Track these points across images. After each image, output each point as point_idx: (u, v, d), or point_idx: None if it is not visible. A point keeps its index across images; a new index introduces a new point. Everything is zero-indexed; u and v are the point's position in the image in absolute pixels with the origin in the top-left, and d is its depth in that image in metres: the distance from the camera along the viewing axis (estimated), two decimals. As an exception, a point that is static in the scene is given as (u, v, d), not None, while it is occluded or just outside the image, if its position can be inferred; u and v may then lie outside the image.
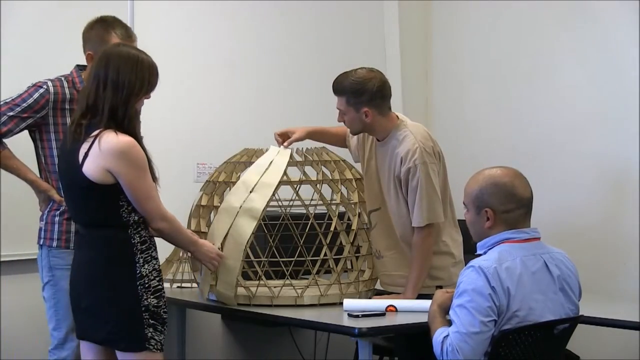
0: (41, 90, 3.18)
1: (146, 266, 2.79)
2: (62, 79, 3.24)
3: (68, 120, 3.18)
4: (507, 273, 2.56)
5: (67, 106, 3.21)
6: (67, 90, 3.21)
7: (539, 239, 2.71)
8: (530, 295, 2.59)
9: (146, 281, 2.78)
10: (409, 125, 3.37)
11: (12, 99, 3.16)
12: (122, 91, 2.75)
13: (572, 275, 2.71)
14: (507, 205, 2.64)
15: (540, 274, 2.63)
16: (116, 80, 2.75)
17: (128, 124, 2.76)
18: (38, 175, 3.27)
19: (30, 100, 3.16)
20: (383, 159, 3.38)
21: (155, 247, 2.87)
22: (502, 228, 2.66)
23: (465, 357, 2.52)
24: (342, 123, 3.42)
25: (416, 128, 3.36)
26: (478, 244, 2.72)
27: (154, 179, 2.83)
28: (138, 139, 2.78)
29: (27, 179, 3.24)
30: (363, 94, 3.28)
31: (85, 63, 3.26)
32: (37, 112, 3.17)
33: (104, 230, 2.79)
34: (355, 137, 3.55)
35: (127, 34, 3.22)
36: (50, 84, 3.20)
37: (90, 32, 3.22)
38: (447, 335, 2.58)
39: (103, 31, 3.19)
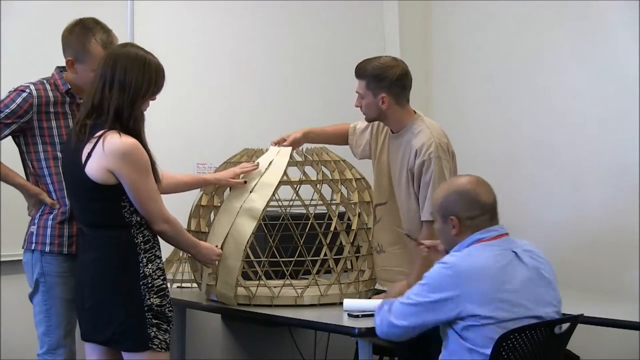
0: (24, 95, 3.09)
1: (150, 265, 2.79)
2: (45, 81, 3.16)
3: (53, 123, 3.14)
4: (478, 272, 2.58)
5: (51, 109, 3.13)
6: (50, 93, 3.14)
7: (507, 234, 2.73)
8: (507, 290, 2.58)
9: (149, 281, 2.78)
10: (425, 121, 3.37)
11: None
12: (129, 92, 2.75)
13: (545, 262, 2.73)
14: (471, 212, 2.68)
15: (512, 266, 2.64)
16: (123, 81, 2.74)
17: (134, 125, 2.76)
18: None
19: (13, 106, 3.08)
20: (396, 152, 3.38)
21: (159, 246, 2.88)
22: (469, 234, 2.69)
23: (397, 319, 2.61)
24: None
25: (432, 124, 3.37)
26: (451, 252, 2.74)
27: (157, 181, 2.83)
28: (143, 140, 2.78)
29: (15, 183, 3.17)
30: (383, 80, 3.29)
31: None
32: (21, 117, 3.09)
33: (106, 231, 2.80)
34: (365, 132, 3.55)
35: (109, 39, 3.12)
36: (32, 87, 3.11)
37: (70, 37, 3.13)
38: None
39: (83, 37, 3.10)
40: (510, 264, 2.63)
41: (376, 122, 3.49)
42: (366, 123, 3.57)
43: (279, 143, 3.50)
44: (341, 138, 3.68)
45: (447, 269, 2.59)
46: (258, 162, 3.35)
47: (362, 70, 3.34)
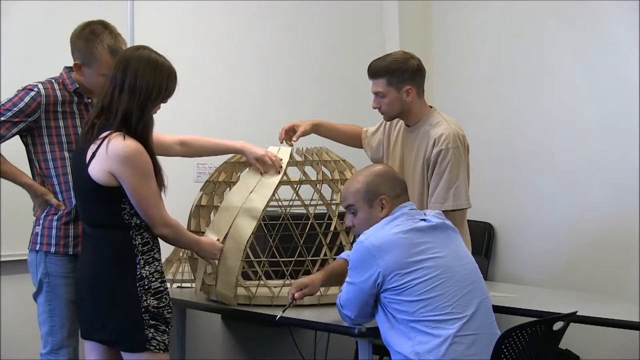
0: (32, 94, 3.08)
1: (147, 267, 2.79)
2: (53, 81, 3.15)
3: (61, 123, 3.13)
4: (389, 240, 2.71)
5: (59, 109, 3.12)
6: (58, 93, 3.13)
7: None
8: (419, 247, 2.70)
9: (146, 282, 2.78)
10: (442, 114, 3.38)
11: (2, 104, 3.07)
12: (139, 96, 2.75)
13: (447, 221, 2.87)
14: (395, 189, 2.84)
15: (419, 230, 2.75)
16: (133, 85, 2.75)
17: (142, 130, 2.76)
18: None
19: (21, 104, 3.06)
20: (412, 145, 3.37)
21: (159, 249, 2.88)
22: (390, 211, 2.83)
23: (343, 302, 2.83)
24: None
25: (450, 118, 3.38)
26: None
27: (162, 186, 2.84)
28: (149, 145, 2.78)
29: (22, 183, 3.15)
30: (405, 72, 3.30)
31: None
32: (29, 116, 3.07)
33: (106, 231, 2.80)
34: (377, 133, 3.55)
35: (116, 44, 3.10)
36: (41, 86, 3.10)
37: (78, 41, 3.11)
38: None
39: (91, 43, 3.08)
40: (416, 228, 2.75)
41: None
42: (377, 126, 3.57)
43: (288, 132, 3.51)
44: (353, 139, 3.67)
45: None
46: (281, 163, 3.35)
47: (379, 69, 3.33)
